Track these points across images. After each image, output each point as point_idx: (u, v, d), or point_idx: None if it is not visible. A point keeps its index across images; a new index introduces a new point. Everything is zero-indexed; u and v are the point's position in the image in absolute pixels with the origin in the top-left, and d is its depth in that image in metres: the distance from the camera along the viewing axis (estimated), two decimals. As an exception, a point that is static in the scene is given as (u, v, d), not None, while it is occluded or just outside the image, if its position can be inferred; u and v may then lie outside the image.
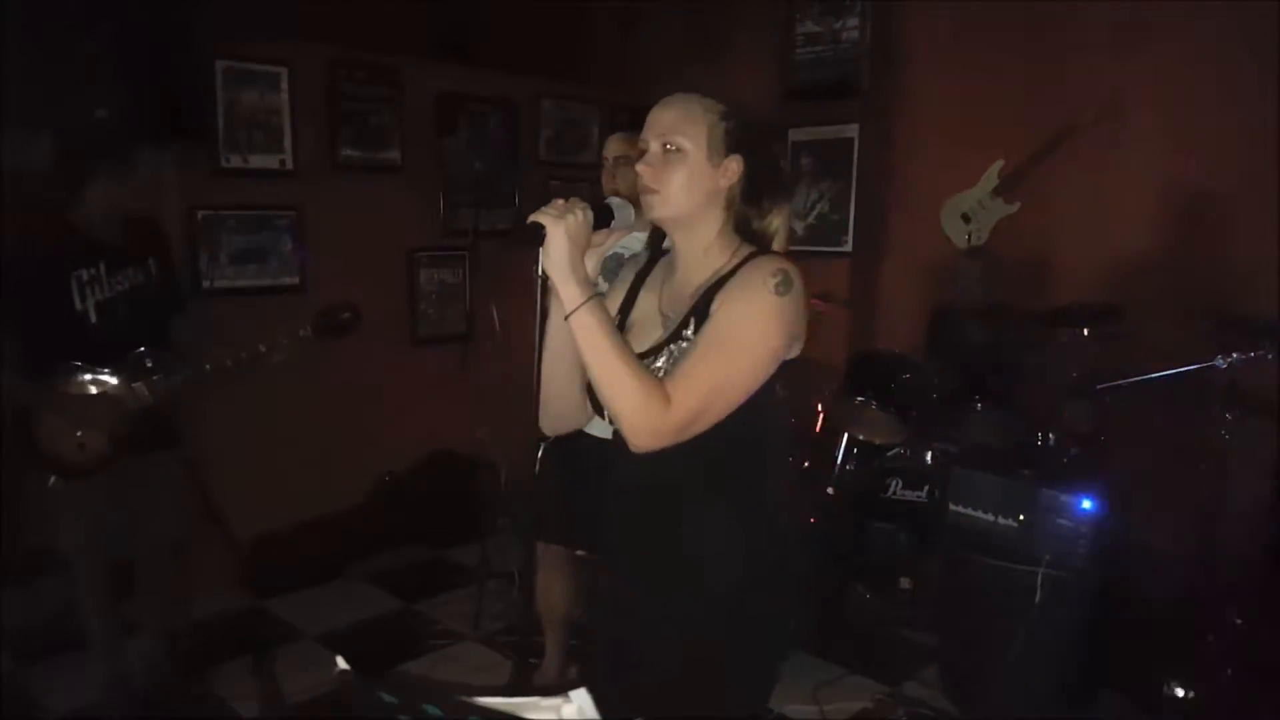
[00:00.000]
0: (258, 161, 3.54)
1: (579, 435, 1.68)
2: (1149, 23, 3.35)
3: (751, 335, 1.33)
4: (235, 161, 3.49)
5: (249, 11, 3.47)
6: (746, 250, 1.43)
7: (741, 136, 1.42)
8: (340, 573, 3.77)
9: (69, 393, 2.39)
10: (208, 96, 3.36)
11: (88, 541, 2.57)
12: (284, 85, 3.55)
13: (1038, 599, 2.51)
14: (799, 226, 4.47)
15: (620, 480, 1.46)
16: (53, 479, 2.44)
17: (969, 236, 3.86)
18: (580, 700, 0.74)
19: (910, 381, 3.41)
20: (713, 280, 1.40)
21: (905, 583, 3.30)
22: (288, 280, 3.67)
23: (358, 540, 3.89)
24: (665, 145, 1.39)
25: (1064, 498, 2.57)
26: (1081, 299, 3.21)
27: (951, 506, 2.79)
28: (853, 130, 4.21)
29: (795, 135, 4.40)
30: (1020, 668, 2.54)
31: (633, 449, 1.32)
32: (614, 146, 2.54)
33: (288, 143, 3.58)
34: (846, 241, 4.29)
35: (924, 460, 3.34)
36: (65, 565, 2.62)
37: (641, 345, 1.42)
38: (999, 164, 3.77)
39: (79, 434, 2.39)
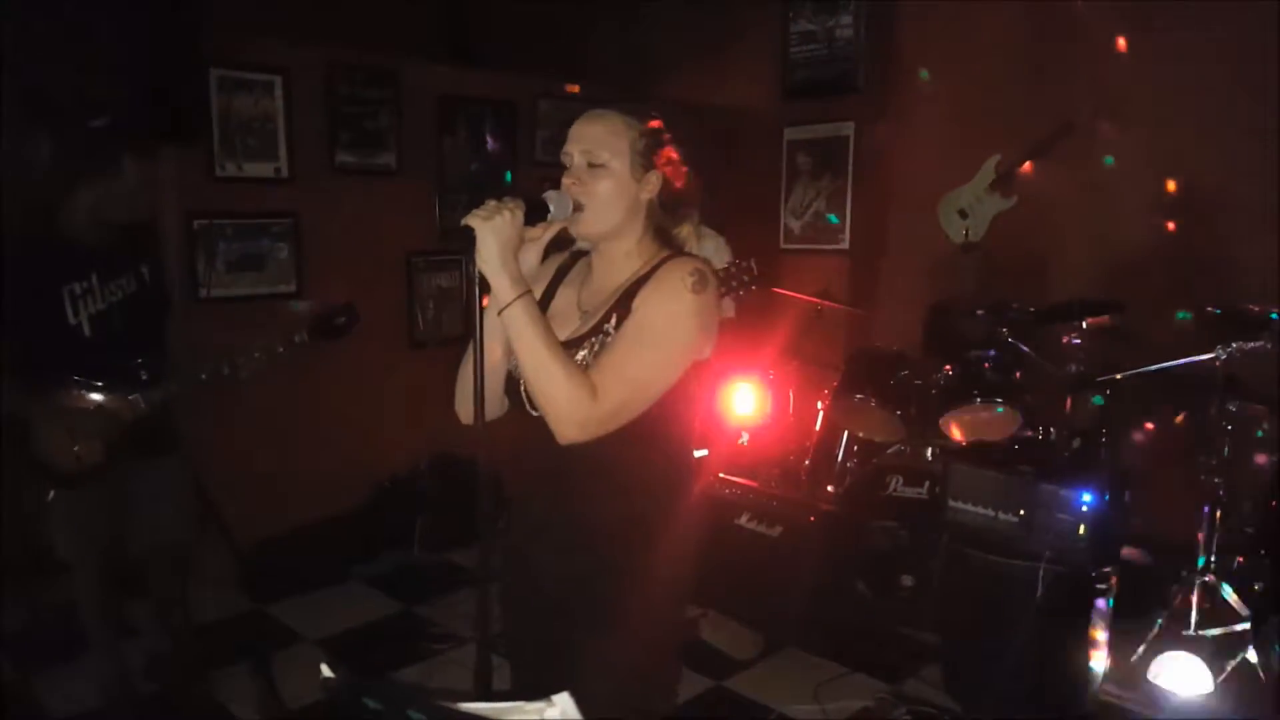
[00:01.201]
0: (253, 169, 3.55)
1: None
2: (1146, 17, 3.34)
3: (670, 330, 1.42)
4: (230, 169, 3.49)
5: (244, 18, 3.48)
6: (664, 253, 1.52)
7: (663, 154, 1.49)
8: (341, 576, 3.77)
9: (65, 405, 2.38)
10: (202, 105, 3.36)
11: (87, 549, 2.57)
12: (278, 92, 3.55)
13: (1038, 594, 2.50)
14: (796, 225, 4.47)
15: (537, 463, 1.51)
16: (51, 492, 2.43)
17: (966, 232, 3.85)
18: (563, 704, 0.73)
19: (909, 378, 3.41)
20: (632, 280, 1.48)
21: (907, 580, 3.29)
22: (285, 287, 3.68)
23: (359, 544, 3.89)
24: (590, 161, 1.46)
25: (1063, 493, 2.57)
26: (1080, 293, 3.20)
27: (951, 503, 2.78)
28: (849, 128, 4.21)
29: (791, 134, 4.40)
30: (1022, 663, 2.53)
31: (560, 440, 1.39)
32: None
33: (283, 150, 3.59)
34: (843, 239, 4.29)
35: (923, 457, 3.34)
36: (66, 571, 2.61)
37: (560, 337, 1.48)
38: (995, 159, 3.77)
39: (76, 446, 2.38)
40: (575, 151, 1.47)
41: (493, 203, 1.37)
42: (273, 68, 3.55)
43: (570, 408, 1.37)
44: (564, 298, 1.59)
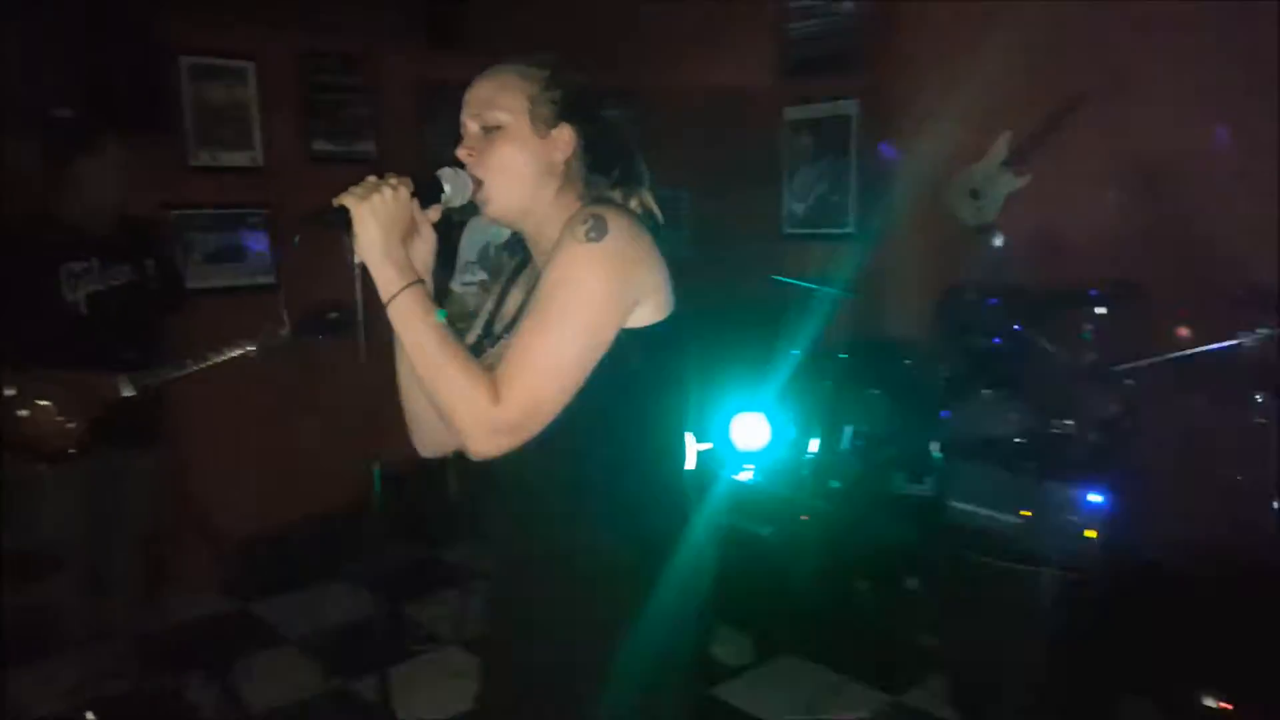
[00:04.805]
0: (228, 158, 3.47)
1: None
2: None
3: (570, 297, 1.14)
4: (205, 159, 3.41)
5: (215, 4, 3.38)
6: None
7: (573, 103, 1.26)
8: (325, 574, 3.69)
9: (55, 379, 2.40)
10: (174, 93, 3.28)
11: (68, 531, 2.57)
12: (251, 79, 3.45)
13: (1045, 601, 2.32)
14: (799, 208, 4.29)
15: (486, 479, 1.30)
16: (42, 466, 2.45)
17: (978, 213, 3.65)
18: None
19: (915, 369, 3.24)
20: None
21: (911, 582, 3.11)
22: (264, 279, 3.58)
23: (346, 541, 3.80)
24: (483, 124, 1.25)
25: (1074, 492, 2.38)
26: (1097, 276, 3.00)
27: (951, 503, 2.60)
28: (851, 107, 4.02)
29: (791, 114, 4.22)
30: (1030, 674, 2.35)
31: (472, 455, 1.17)
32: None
33: (257, 138, 3.49)
34: (848, 223, 4.10)
35: (929, 452, 3.15)
36: (41, 568, 2.61)
37: None
38: (1007, 135, 3.56)
39: (60, 419, 2.39)
40: (469, 119, 1.26)
41: (372, 179, 1.17)
42: (244, 54, 3.45)
43: (471, 412, 1.13)
44: (513, 302, 1.36)
